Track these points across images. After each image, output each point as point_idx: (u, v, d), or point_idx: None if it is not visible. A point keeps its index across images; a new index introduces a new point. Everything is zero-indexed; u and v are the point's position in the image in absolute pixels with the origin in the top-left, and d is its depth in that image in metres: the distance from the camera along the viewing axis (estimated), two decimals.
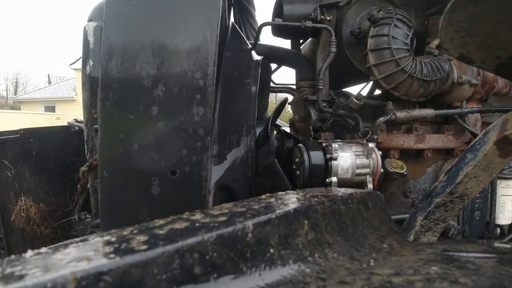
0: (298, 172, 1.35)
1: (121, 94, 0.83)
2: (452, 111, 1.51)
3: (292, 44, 1.94)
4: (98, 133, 0.84)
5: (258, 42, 1.60)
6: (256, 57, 1.47)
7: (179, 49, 0.85)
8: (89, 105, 1.41)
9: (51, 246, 0.33)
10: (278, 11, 1.68)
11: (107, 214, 0.89)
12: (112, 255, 0.28)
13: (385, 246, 0.47)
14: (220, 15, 0.86)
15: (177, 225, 0.35)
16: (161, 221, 0.37)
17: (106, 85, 0.83)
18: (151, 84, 0.83)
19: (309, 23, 1.49)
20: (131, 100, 0.83)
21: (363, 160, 1.33)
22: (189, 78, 0.84)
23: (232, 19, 1.63)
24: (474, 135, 1.49)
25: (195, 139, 0.84)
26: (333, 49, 1.46)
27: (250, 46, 1.50)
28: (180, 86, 0.84)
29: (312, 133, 1.50)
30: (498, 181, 1.53)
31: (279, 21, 1.58)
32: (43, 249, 0.32)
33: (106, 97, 0.83)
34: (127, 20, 0.84)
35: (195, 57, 0.85)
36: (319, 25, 1.50)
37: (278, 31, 1.73)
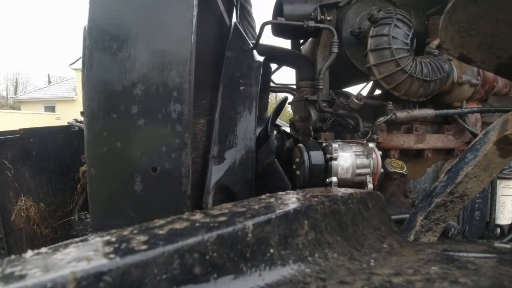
0: (298, 172, 1.35)
1: (104, 95, 0.86)
2: (452, 111, 1.51)
3: (292, 44, 1.94)
4: (85, 132, 0.88)
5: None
6: (257, 57, 1.47)
7: (155, 49, 0.87)
8: None
9: (51, 246, 0.33)
10: (278, 11, 1.68)
11: (96, 209, 0.92)
12: (112, 255, 0.28)
13: (385, 246, 0.47)
14: (195, 13, 0.87)
15: (177, 225, 0.35)
16: (161, 221, 0.37)
17: (90, 86, 0.87)
18: (130, 84, 0.86)
19: (311, 23, 1.49)
20: (113, 100, 0.86)
21: (363, 160, 1.33)
22: (166, 76, 0.87)
23: (234, 19, 1.62)
24: (474, 135, 1.49)
25: (173, 136, 0.86)
26: (335, 50, 1.46)
27: (251, 45, 1.50)
28: (157, 85, 0.87)
29: (312, 133, 1.50)
30: (498, 181, 1.53)
31: (281, 20, 1.58)
32: (43, 249, 0.32)
33: (91, 98, 0.86)
34: (108, 23, 0.87)
35: (171, 56, 0.87)
36: (321, 25, 1.50)
37: (279, 31, 1.73)
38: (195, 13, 0.87)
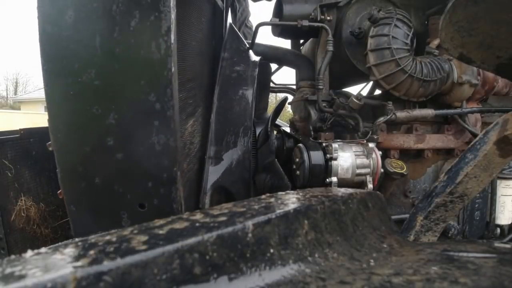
0: (298, 172, 1.35)
1: (73, 125, 0.74)
2: (452, 111, 1.51)
3: (292, 44, 1.94)
4: (57, 167, 0.77)
5: (258, 42, 1.60)
6: (253, 57, 1.47)
7: (126, 66, 0.72)
8: None
9: (51, 246, 0.33)
10: (278, 11, 1.68)
11: None
12: (112, 255, 0.28)
13: (385, 246, 0.47)
14: (173, 17, 0.71)
15: (177, 225, 0.35)
16: (161, 221, 0.37)
17: (56, 115, 0.74)
18: (101, 112, 0.72)
19: (305, 22, 1.49)
20: (83, 131, 0.74)
21: (363, 160, 1.33)
22: (142, 101, 0.72)
23: (230, 20, 1.62)
24: (474, 135, 1.49)
25: (160, 170, 0.75)
26: (330, 48, 1.46)
27: (247, 46, 1.50)
28: (133, 112, 0.73)
29: (312, 133, 1.50)
30: (498, 181, 1.53)
31: (275, 20, 1.58)
32: (43, 249, 0.32)
33: (57, 129, 0.74)
34: (63, 38, 0.71)
35: (146, 75, 0.72)
36: (315, 24, 1.50)
37: (278, 31, 1.73)
38: (174, 16, 0.71)
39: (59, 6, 0.70)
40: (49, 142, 0.76)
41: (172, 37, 0.71)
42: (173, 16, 0.71)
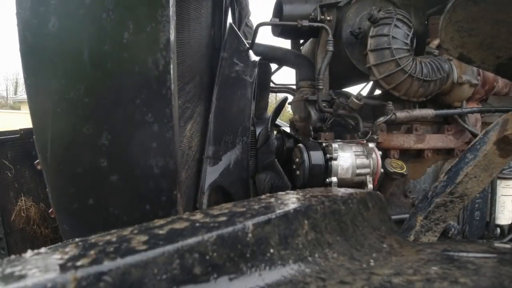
0: (298, 172, 1.35)
1: (61, 145, 0.68)
2: (452, 111, 1.51)
3: (292, 44, 1.94)
4: (47, 186, 0.70)
5: (258, 42, 1.60)
6: (253, 57, 1.47)
7: (119, 84, 0.64)
8: None
9: (51, 246, 0.33)
10: (278, 11, 1.68)
11: None
12: (112, 255, 0.28)
13: (385, 246, 0.47)
14: (173, 27, 0.62)
15: (177, 225, 0.35)
16: (161, 221, 0.37)
17: (42, 134, 0.66)
18: (92, 132, 0.65)
19: (305, 22, 1.49)
20: (74, 151, 0.68)
21: (363, 160, 1.33)
22: (138, 122, 0.65)
23: (230, 19, 1.62)
24: (474, 135, 1.49)
25: (158, 193, 0.70)
26: (330, 48, 1.46)
27: (247, 46, 1.50)
28: (128, 133, 0.66)
29: (312, 133, 1.50)
30: (498, 181, 1.53)
31: (275, 21, 1.58)
32: (43, 249, 0.32)
33: (44, 149, 0.67)
34: (47, 49, 0.62)
35: (142, 94, 0.64)
36: (315, 24, 1.50)
37: (278, 31, 1.73)
38: (172, 12, 0.63)
39: (41, 13, 0.61)
40: (37, 161, 0.70)
41: (172, 51, 0.63)
42: (172, 26, 0.62)
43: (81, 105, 0.64)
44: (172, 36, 0.63)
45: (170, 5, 0.61)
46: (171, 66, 0.63)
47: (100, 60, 0.62)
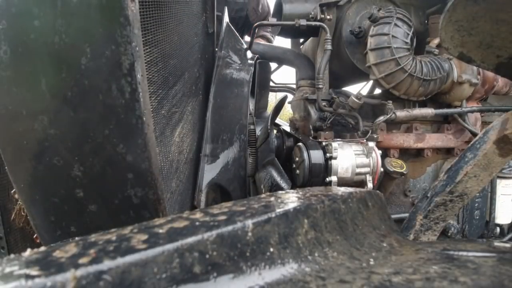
0: (298, 171, 1.35)
1: (34, 176, 0.64)
2: (452, 110, 1.51)
3: (292, 43, 1.94)
4: (28, 215, 0.69)
5: (257, 42, 1.60)
6: (250, 55, 1.47)
7: (83, 114, 0.57)
8: None
9: (51, 245, 0.33)
10: (278, 11, 1.68)
11: None
12: (112, 254, 0.28)
13: (385, 245, 0.47)
14: (138, 48, 0.54)
15: (177, 224, 0.35)
16: (161, 220, 0.37)
17: (13, 165, 0.63)
18: (63, 164, 0.61)
19: (303, 22, 1.49)
20: (47, 182, 0.63)
21: (363, 159, 1.33)
22: (109, 153, 0.59)
23: (227, 18, 1.61)
24: (474, 135, 1.50)
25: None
26: (329, 47, 1.46)
27: (245, 45, 1.50)
28: (100, 164, 0.61)
29: (312, 132, 1.50)
30: (498, 181, 1.54)
31: (273, 20, 1.58)
32: (43, 248, 0.32)
33: (19, 180, 0.64)
34: (2, 79, 0.56)
35: (110, 124, 0.57)
36: (313, 23, 1.50)
37: (278, 30, 1.73)
38: (135, 16, 0.54)
39: None
40: (14, 190, 0.66)
41: (139, 75, 0.54)
42: (137, 47, 0.53)
43: (47, 136, 0.59)
44: (140, 58, 0.55)
45: (131, 23, 0.52)
46: (139, 92, 0.55)
47: (59, 89, 0.56)
